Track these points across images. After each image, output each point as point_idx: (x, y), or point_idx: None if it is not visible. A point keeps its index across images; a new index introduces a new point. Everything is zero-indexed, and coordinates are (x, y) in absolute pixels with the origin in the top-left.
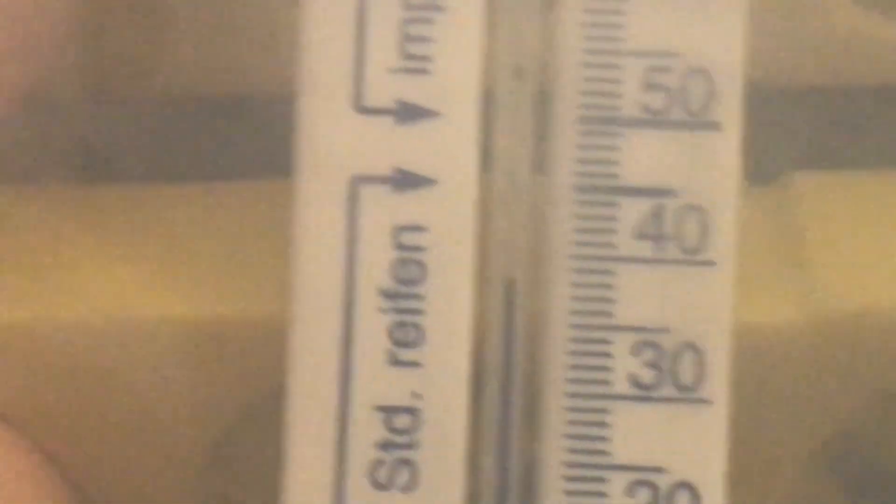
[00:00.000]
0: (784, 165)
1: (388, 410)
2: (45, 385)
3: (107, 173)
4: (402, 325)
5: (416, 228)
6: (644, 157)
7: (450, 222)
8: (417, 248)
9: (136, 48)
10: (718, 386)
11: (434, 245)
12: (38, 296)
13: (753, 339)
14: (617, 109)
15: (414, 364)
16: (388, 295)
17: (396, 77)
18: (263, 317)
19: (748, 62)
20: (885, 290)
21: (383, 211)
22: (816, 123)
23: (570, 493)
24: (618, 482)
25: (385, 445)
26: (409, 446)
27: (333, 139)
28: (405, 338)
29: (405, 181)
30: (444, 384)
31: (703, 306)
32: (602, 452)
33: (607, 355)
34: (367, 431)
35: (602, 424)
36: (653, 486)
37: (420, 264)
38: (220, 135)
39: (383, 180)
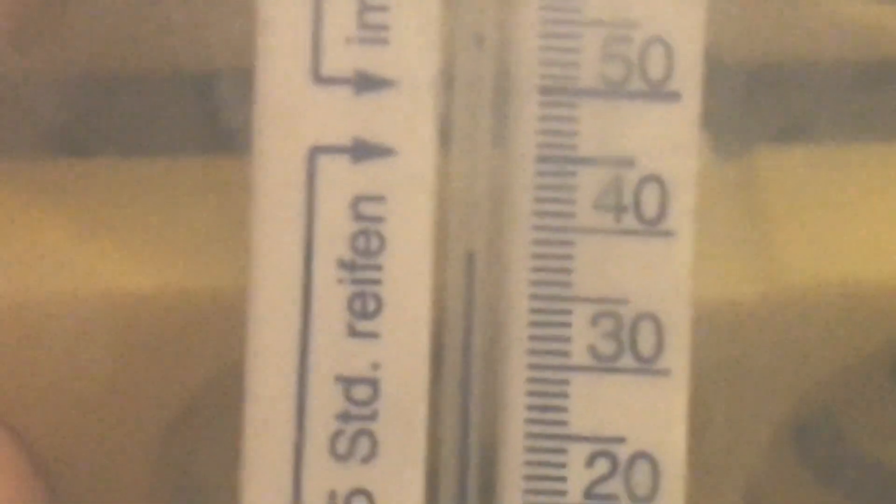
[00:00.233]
0: (748, 139)
1: (348, 381)
2: (4, 359)
3: (66, 148)
4: (361, 295)
5: (375, 199)
6: (603, 127)
7: (409, 193)
8: (376, 219)
9: (93, 22)
10: (677, 356)
11: (393, 216)
12: None
13: (715, 312)
14: (576, 79)
15: (373, 335)
16: (346, 266)
17: (354, 47)
18: (224, 290)
19: (711, 35)
20: (846, 264)
21: (342, 181)
22: (781, 97)
23: (530, 463)
24: (577, 453)
25: (344, 416)
26: (368, 417)
27: (291, 109)
28: (364, 309)
29: (364, 151)
30: (404, 355)
31: (662, 277)
32: (562, 423)
33: (567, 326)
34: (326, 403)
35: (562, 395)
36: (612, 457)
37: (379, 235)
38: (177, 110)
39: (342, 150)
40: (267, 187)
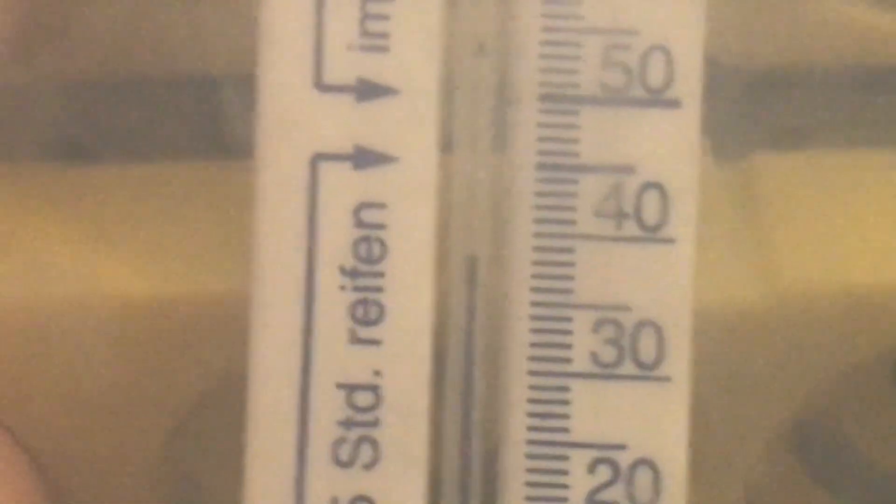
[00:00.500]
0: (747, 145)
1: (350, 388)
2: (5, 364)
3: (69, 155)
4: (363, 302)
5: (377, 206)
6: (604, 134)
7: (410, 200)
8: (378, 226)
9: (96, 29)
10: (679, 363)
11: (395, 222)
12: None
13: (716, 318)
14: (577, 87)
15: (375, 342)
16: (348, 273)
17: (356, 54)
18: (227, 296)
19: (710, 41)
20: (846, 269)
21: (344, 188)
22: (780, 103)
23: (531, 470)
24: (579, 460)
25: (347, 423)
26: (370, 424)
27: (293, 117)
28: (366, 315)
29: (365, 159)
30: (406, 362)
31: (663, 284)
32: (563, 430)
33: (568, 333)
34: (328, 409)
35: (563, 402)
36: (614, 464)
37: (381, 242)
38: (180, 116)
39: (343, 158)
40: (269, 194)
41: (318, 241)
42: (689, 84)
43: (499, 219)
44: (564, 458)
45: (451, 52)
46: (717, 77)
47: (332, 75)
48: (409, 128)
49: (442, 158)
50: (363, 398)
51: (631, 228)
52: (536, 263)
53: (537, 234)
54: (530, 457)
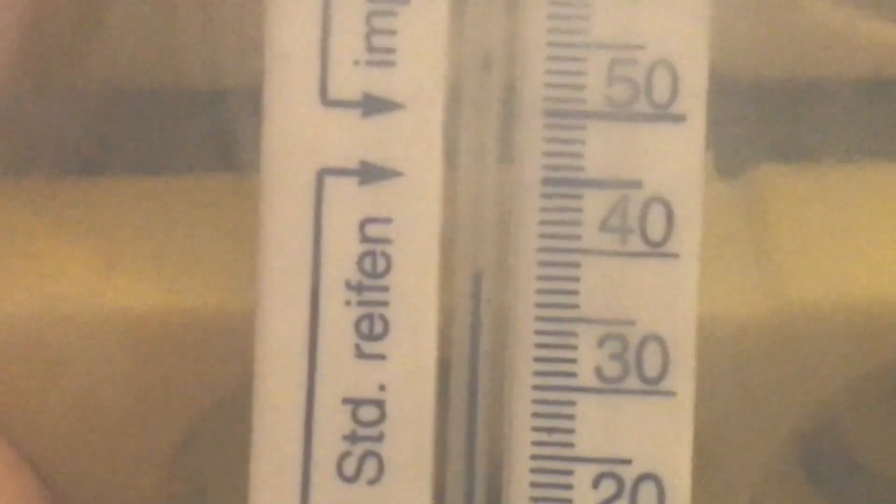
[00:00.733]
0: (752, 158)
1: (355, 403)
2: (12, 377)
3: (77, 168)
4: (368, 317)
5: (382, 221)
6: (609, 149)
7: (416, 214)
8: (383, 241)
9: (106, 44)
10: (683, 378)
11: (400, 237)
12: (2, 288)
13: (720, 330)
14: (582, 102)
15: (380, 356)
16: (354, 287)
17: (362, 70)
18: (233, 310)
19: (715, 55)
20: (850, 282)
21: (349, 203)
22: (785, 116)
23: (536, 485)
24: (584, 474)
25: (352, 438)
26: (375, 438)
27: (299, 132)
28: (371, 330)
29: (371, 173)
30: (411, 376)
31: (667, 299)
32: (568, 445)
33: (573, 347)
34: (333, 424)
35: (568, 417)
36: (618, 478)
37: (386, 256)
38: (187, 129)
39: (349, 173)
40: (275, 209)
41: (323, 256)
42: (695, 98)
43: (504, 233)
44: (569, 472)
45: (457, 67)
46: (722, 91)
47: (338, 90)
48: (415, 142)
49: (447, 173)
50: (368, 413)
51: (636, 243)
52: (541, 278)
53: (542, 249)
54: (535, 471)
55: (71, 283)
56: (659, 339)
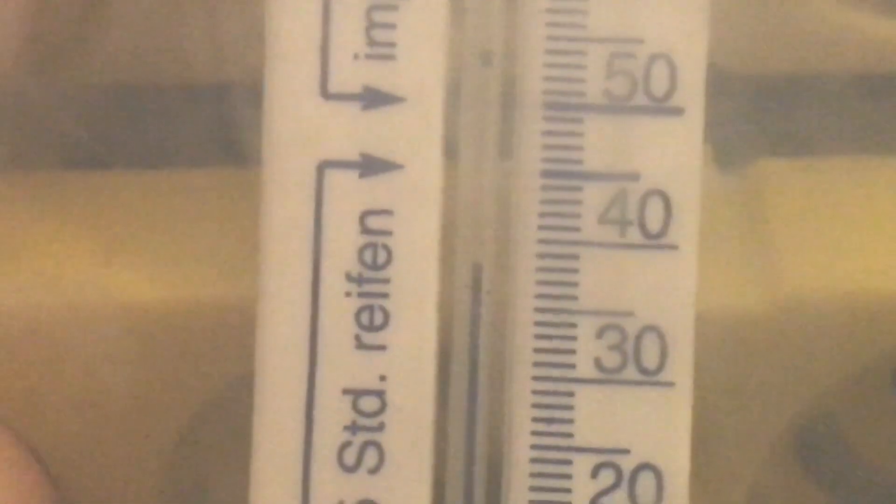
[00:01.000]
0: (750, 152)
1: (355, 393)
2: (13, 370)
3: (81, 162)
4: (368, 308)
5: (383, 213)
6: (608, 142)
7: (416, 207)
8: (383, 233)
9: (109, 38)
10: (681, 369)
11: (400, 229)
12: (2, 281)
13: (718, 324)
14: (581, 95)
15: (380, 347)
16: (354, 279)
17: (362, 63)
18: (235, 302)
19: (713, 48)
20: (848, 275)
21: (349, 196)
22: (783, 110)
23: (535, 474)
24: (582, 464)
25: (352, 428)
26: (376, 429)
27: (300, 125)
28: (371, 321)
29: (371, 166)
30: (411, 367)
31: (666, 290)
32: (567, 435)
33: (572, 338)
34: (334, 414)
35: (567, 407)
36: (616, 468)
37: (386, 248)
38: (189, 123)
39: (349, 165)
40: (276, 201)
41: (324, 248)
42: (693, 92)
43: (504, 225)
44: (568, 462)
45: (457, 61)
46: (720, 85)
47: (338, 84)
48: (415, 135)
49: (447, 166)
50: (369, 403)
51: (635, 235)
52: (541, 270)
53: (542, 241)
54: (534, 461)
55: (74, 275)
56: (657, 331)
